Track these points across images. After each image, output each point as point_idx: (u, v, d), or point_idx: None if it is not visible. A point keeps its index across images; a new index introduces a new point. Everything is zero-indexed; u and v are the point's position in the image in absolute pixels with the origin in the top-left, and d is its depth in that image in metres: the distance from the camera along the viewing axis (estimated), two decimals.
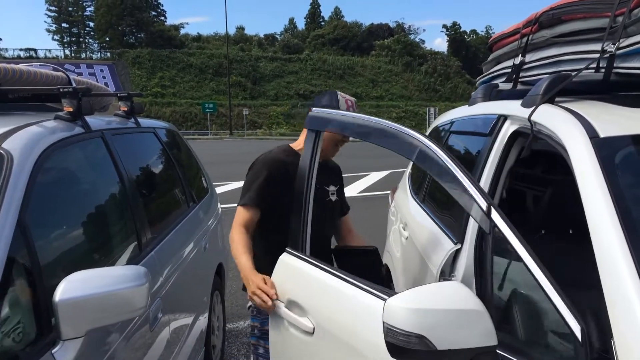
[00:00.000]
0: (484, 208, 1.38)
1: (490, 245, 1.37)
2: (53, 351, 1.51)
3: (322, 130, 2.18)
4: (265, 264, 2.20)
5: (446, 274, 2.16)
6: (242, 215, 2.38)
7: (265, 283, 2.09)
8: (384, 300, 1.49)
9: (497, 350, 1.27)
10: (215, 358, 3.63)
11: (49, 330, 1.53)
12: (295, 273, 2.04)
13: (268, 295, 2.04)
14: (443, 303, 1.26)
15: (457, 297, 1.27)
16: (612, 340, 1.13)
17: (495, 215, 1.35)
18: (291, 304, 1.99)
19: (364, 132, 1.95)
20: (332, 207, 2.54)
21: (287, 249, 2.13)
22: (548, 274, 1.24)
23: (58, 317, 1.49)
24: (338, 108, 2.34)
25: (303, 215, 2.10)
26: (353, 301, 1.70)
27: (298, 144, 2.50)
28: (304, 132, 2.35)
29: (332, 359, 1.82)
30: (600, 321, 1.19)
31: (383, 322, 1.29)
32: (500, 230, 1.34)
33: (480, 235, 2.14)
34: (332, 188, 2.54)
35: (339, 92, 2.47)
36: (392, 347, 1.27)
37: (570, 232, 2.30)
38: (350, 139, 2.38)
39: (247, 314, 4.85)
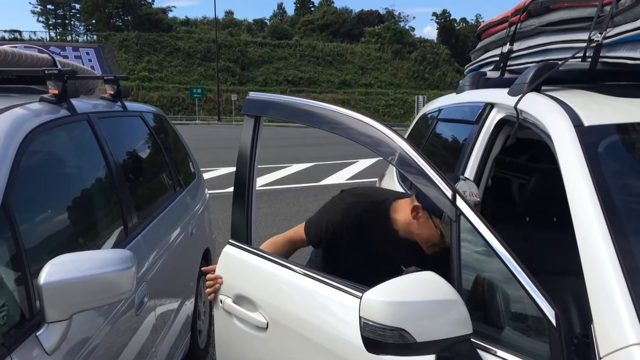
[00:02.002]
0: (449, 195, 1.38)
1: (456, 233, 1.37)
2: (37, 334, 1.50)
3: (261, 116, 2.00)
4: None
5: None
6: (294, 237, 2.12)
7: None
8: (347, 291, 1.56)
9: (472, 339, 1.28)
10: (201, 343, 3.64)
11: (34, 313, 1.53)
12: (242, 266, 1.95)
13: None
14: (420, 294, 1.24)
15: (433, 287, 1.25)
16: (592, 325, 1.15)
17: (460, 203, 1.36)
18: (240, 299, 1.91)
19: (307, 118, 1.82)
20: None
21: (230, 240, 2.01)
22: (518, 261, 1.24)
23: (43, 300, 1.48)
24: None
25: (247, 204, 1.98)
26: (311, 294, 1.70)
27: (394, 216, 1.98)
28: (404, 212, 1.94)
29: (289, 354, 1.77)
30: (581, 307, 1.21)
31: (360, 317, 1.25)
32: (467, 218, 1.34)
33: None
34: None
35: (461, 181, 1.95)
36: (369, 342, 1.25)
37: (554, 219, 2.33)
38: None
39: None
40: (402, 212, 1.95)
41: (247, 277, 1.94)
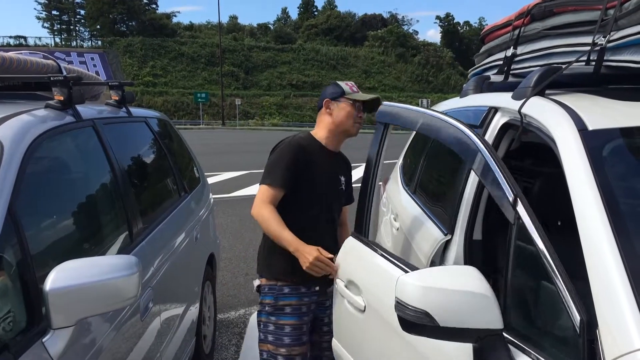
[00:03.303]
0: (510, 199, 1.44)
1: (514, 236, 1.41)
2: (43, 340, 1.51)
3: (389, 124, 2.32)
4: (289, 255, 2.36)
5: (436, 264, 2.18)
6: (267, 193, 2.42)
7: (320, 253, 2.28)
8: None
9: (507, 335, 1.32)
10: (206, 348, 3.65)
11: (40, 319, 1.53)
12: (355, 255, 2.29)
13: (327, 265, 2.28)
14: (452, 284, 1.32)
15: (467, 280, 1.33)
16: (597, 330, 1.14)
17: (520, 208, 1.40)
18: (350, 283, 2.21)
19: (417, 126, 2.08)
20: (340, 195, 2.68)
21: (352, 232, 2.41)
22: (561, 267, 1.29)
23: (48, 306, 1.49)
24: (344, 92, 2.55)
25: (367, 202, 2.32)
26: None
27: (317, 132, 2.62)
28: (321, 119, 2.61)
29: (379, 336, 2.00)
30: (587, 311, 1.21)
31: (395, 297, 1.38)
32: (524, 224, 1.39)
33: (471, 225, 2.17)
34: (342, 179, 2.67)
35: (338, 81, 2.63)
36: (401, 321, 1.36)
37: (559, 223, 2.32)
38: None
39: (237, 303, 4.87)
40: (321, 125, 2.61)
41: (357, 264, 2.25)
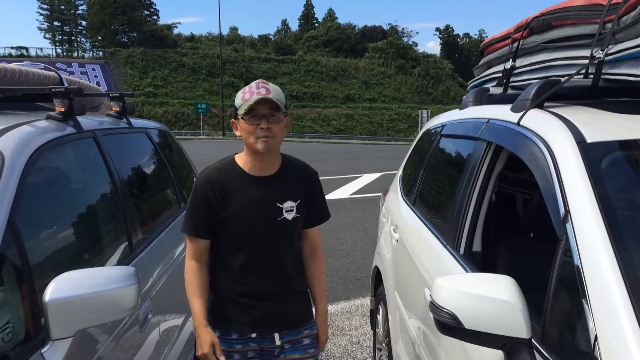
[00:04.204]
0: (561, 215, 1.44)
1: (561, 251, 1.41)
2: (42, 351, 1.51)
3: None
4: (221, 298, 2.14)
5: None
6: (189, 245, 2.12)
7: (215, 350, 2.03)
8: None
9: (540, 347, 1.34)
10: None
11: (39, 330, 1.53)
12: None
13: None
14: (480, 289, 1.37)
15: (499, 288, 1.36)
16: (597, 342, 1.14)
17: (569, 226, 1.40)
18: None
19: None
20: (283, 225, 2.12)
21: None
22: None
23: (48, 317, 1.49)
24: (236, 107, 2.06)
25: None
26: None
27: (239, 155, 2.16)
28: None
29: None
30: (583, 324, 1.21)
31: (430, 298, 1.46)
32: (568, 239, 1.39)
33: (471, 237, 2.17)
34: (288, 204, 2.11)
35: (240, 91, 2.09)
36: (435, 322, 1.43)
37: (531, 235, 2.33)
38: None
39: None
40: (244, 149, 2.13)
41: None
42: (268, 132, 1.98)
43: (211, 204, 2.05)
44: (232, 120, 2.11)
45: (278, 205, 2.09)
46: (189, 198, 2.15)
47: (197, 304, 2.06)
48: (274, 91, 2.00)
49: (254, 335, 2.13)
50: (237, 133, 2.08)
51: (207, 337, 2.04)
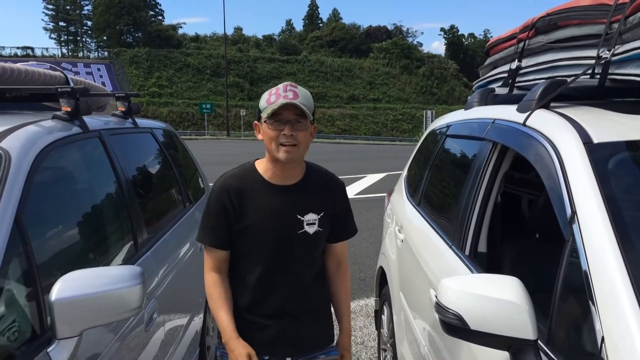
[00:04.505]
0: (568, 215, 1.43)
1: (567, 252, 1.40)
2: (48, 350, 1.51)
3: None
4: (234, 313, 1.97)
5: None
6: (207, 257, 2.01)
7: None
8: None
9: (546, 349, 1.33)
10: (209, 359, 3.63)
11: (45, 329, 1.54)
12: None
13: None
14: (486, 290, 1.37)
15: (505, 288, 1.35)
16: (603, 343, 1.14)
17: (576, 227, 1.40)
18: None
19: None
20: (304, 239, 1.97)
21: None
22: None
23: (54, 316, 1.49)
24: (260, 110, 1.92)
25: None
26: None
27: (260, 161, 2.01)
28: None
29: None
30: (590, 325, 1.21)
31: (435, 299, 1.46)
32: (575, 240, 1.39)
33: (476, 237, 2.16)
34: (309, 217, 1.96)
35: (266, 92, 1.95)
36: (441, 322, 1.43)
37: (537, 236, 2.33)
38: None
39: None
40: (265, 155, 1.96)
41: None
42: (292, 139, 1.83)
43: (228, 212, 1.92)
44: (255, 122, 1.96)
45: (299, 217, 1.95)
46: (204, 207, 2.01)
47: (223, 316, 1.93)
48: (302, 96, 1.86)
49: (266, 358, 1.99)
50: (259, 137, 1.94)
51: (241, 350, 1.88)
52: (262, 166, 1.97)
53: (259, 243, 1.93)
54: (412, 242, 2.90)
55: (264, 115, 1.85)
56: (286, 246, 1.95)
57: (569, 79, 1.93)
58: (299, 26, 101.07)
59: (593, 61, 1.92)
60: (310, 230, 1.96)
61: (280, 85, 1.89)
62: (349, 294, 2.20)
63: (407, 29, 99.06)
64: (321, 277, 2.09)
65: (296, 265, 1.98)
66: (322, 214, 1.98)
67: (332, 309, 2.17)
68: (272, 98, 1.85)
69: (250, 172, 1.98)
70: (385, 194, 4.52)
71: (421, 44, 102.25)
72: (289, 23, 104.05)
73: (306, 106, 1.83)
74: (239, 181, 1.95)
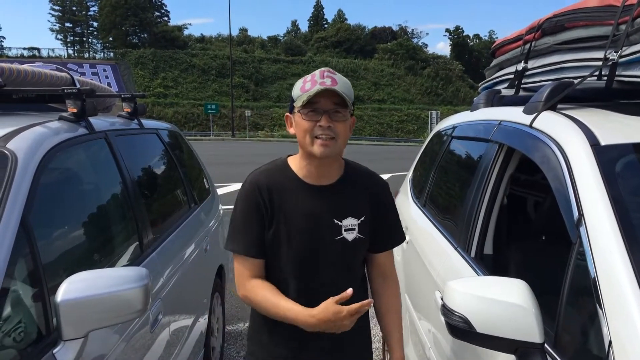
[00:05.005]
0: (575, 217, 1.42)
1: (574, 255, 1.40)
2: (54, 351, 1.51)
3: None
4: (261, 325, 1.77)
5: None
6: (241, 266, 1.74)
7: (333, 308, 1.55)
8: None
9: (553, 352, 1.32)
10: None
11: (50, 330, 1.54)
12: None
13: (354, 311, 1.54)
14: (492, 293, 1.36)
15: (512, 291, 1.34)
16: (611, 347, 1.13)
17: (582, 230, 1.39)
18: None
19: None
20: (343, 246, 1.73)
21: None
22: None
23: (60, 317, 1.49)
24: (293, 99, 1.70)
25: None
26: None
27: (294, 157, 1.79)
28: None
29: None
30: (597, 329, 1.20)
31: (442, 302, 1.44)
32: (582, 243, 1.38)
33: (482, 240, 2.15)
34: (348, 221, 1.73)
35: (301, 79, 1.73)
36: (447, 325, 1.42)
37: (543, 238, 2.32)
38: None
39: (246, 315, 4.85)
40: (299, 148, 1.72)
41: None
42: (329, 131, 1.59)
43: (261, 212, 1.69)
44: (287, 114, 1.73)
45: (336, 222, 1.71)
46: (232, 211, 1.77)
47: (284, 303, 1.64)
48: (342, 83, 1.63)
49: None
50: (291, 131, 1.72)
51: (320, 309, 1.56)
52: (295, 163, 1.75)
53: (291, 251, 1.70)
54: (417, 244, 2.90)
55: (297, 103, 1.62)
56: (321, 255, 1.71)
57: (575, 81, 1.92)
58: (304, 27, 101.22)
59: (600, 63, 1.91)
60: (349, 236, 1.73)
61: (317, 71, 1.66)
62: (401, 313, 1.90)
63: (412, 29, 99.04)
64: (363, 291, 1.85)
65: (332, 277, 1.72)
66: (362, 219, 1.75)
67: (370, 327, 1.97)
68: (307, 85, 1.63)
69: (282, 169, 1.75)
70: None
71: (426, 45, 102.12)
72: (294, 24, 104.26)
73: (346, 94, 1.62)
74: (270, 178, 1.73)
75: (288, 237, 1.69)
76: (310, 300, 1.64)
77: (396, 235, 1.88)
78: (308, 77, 1.66)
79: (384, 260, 1.87)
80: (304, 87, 1.63)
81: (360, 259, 1.83)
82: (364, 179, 1.82)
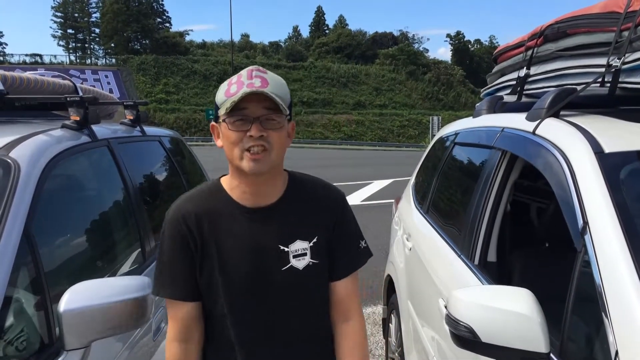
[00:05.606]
0: (579, 225, 1.41)
1: (579, 263, 1.39)
2: None
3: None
4: None
5: None
6: (170, 317, 1.47)
7: None
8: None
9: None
10: None
11: (53, 340, 1.53)
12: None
13: None
14: (498, 302, 1.35)
15: (517, 301, 1.34)
16: (618, 359, 1.12)
17: (587, 238, 1.38)
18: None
19: None
20: (296, 279, 1.44)
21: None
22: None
23: (62, 327, 1.49)
24: (217, 106, 1.39)
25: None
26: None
27: (226, 177, 1.49)
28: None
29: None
30: (603, 338, 1.19)
31: (446, 312, 1.44)
32: (587, 252, 1.37)
33: (485, 247, 2.15)
34: (298, 246, 1.44)
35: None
36: (452, 335, 1.41)
37: (547, 245, 2.31)
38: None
39: None
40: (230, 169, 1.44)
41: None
42: (262, 141, 1.32)
43: (189, 247, 1.41)
44: (212, 123, 1.44)
45: (282, 248, 1.42)
46: (159, 246, 1.48)
47: None
48: (274, 83, 1.35)
49: None
50: (219, 143, 1.43)
51: None
52: (227, 183, 1.46)
53: (231, 290, 1.41)
54: (420, 251, 2.89)
55: (221, 111, 1.34)
56: (269, 291, 1.42)
57: (578, 88, 1.92)
58: (305, 33, 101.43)
59: (603, 69, 1.91)
60: (300, 264, 1.43)
61: (244, 71, 1.37)
62: (367, 358, 1.55)
63: (413, 35, 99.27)
64: (327, 327, 1.55)
65: (286, 317, 1.44)
66: (315, 240, 1.45)
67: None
68: (232, 88, 1.33)
69: (213, 192, 1.47)
70: (391, 200, 4.50)
71: (427, 50, 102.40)
72: (295, 29, 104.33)
73: (280, 97, 1.33)
74: (199, 205, 1.44)
75: (224, 272, 1.41)
76: (260, 351, 1.43)
77: (356, 255, 1.53)
78: (234, 77, 1.36)
79: (345, 294, 1.52)
80: (228, 91, 1.33)
81: (321, 290, 1.51)
82: (315, 193, 1.51)
